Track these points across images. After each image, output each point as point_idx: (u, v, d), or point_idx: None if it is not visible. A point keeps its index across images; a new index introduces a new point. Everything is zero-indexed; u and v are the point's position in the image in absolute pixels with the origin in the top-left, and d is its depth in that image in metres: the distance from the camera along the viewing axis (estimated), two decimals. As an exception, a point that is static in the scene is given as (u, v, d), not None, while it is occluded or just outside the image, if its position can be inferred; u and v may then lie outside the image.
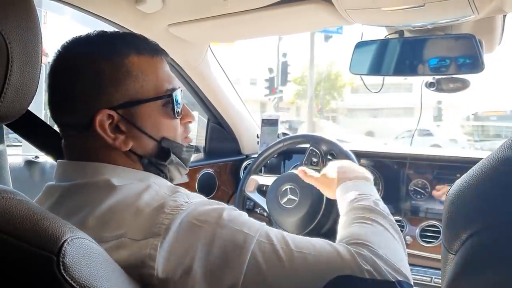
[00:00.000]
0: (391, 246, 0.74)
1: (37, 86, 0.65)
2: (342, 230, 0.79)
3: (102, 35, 0.75)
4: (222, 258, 0.63)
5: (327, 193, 1.16)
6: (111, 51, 0.72)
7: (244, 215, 0.70)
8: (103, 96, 0.71)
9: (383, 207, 0.86)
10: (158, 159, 0.77)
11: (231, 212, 0.68)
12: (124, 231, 0.63)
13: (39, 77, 0.65)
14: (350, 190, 0.95)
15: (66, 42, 0.75)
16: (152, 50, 0.76)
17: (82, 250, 0.51)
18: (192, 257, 0.62)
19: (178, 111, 0.78)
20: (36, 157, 1.67)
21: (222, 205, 0.70)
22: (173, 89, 0.77)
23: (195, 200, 0.68)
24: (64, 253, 0.49)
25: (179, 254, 0.62)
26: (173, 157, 0.78)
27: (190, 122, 0.84)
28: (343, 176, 1.03)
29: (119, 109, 0.71)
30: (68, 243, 0.49)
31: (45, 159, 1.67)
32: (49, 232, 0.50)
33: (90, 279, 0.50)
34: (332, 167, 1.12)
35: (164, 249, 0.61)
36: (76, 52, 0.74)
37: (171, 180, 0.80)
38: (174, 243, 0.62)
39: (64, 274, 0.48)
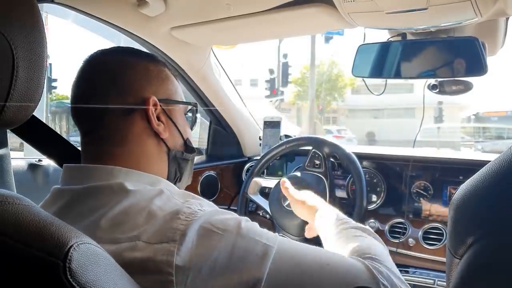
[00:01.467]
0: (390, 260, 0.79)
1: (43, 90, 0.65)
2: (345, 244, 0.84)
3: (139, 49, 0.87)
4: (242, 267, 0.63)
5: (301, 215, 1.25)
6: (152, 58, 0.84)
7: (258, 226, 0.72)
8: (150, 87, 0.79)
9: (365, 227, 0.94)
10: (186, 152, 0.86)
11: (248, 223, 0.70)
12: (137, 233, 0.63)
13: (44, 82, 0.65)
14: (331, 214, 1.04)
15: (105, 49, 0.83)
16: (175, 72, 0.89)
17: (88, 256, 0.51)
18: (212, 264, 0.62)
19: (194, 123, 0.92)
20: (39, 160, 1.67)
21: (236, 215, 0.72)
22: (196, 102, 0.93)
23: (209, 208, 0.69)
24: (70, 258, 0.48)
25: (198, 260, 0.62)
26: (195, 154, 0.89)
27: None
28: (321, 204, 1.16)
29: (161, 102, 0.80)
30: (74, 248, 0.49)
31: (48, 162, 1.67)
32: (55, 238, 0.50)
33: (96, 285, 0.50)
34: (310, 196, 1.25)
35: (181, 255, 0.61)
36: (122, 54, 0.82)
37: (181, 180, 0.87)
38: (193, 249, 0.62)
39: (71, 279, 0.48)
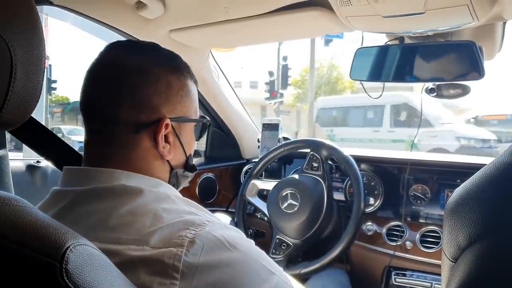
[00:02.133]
0: None
1: (41, 92, 0.65)
2: None
3: (168, 50, 0.82)
4: (245, 286, 0.65)
5: None
6: (177, 67, 0.80)
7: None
8: (168, 106, 0.76)
9: None
10: (187, 170, 0.84)
11: (257, 248, 0.73)
12: (144, 236, 0.63)
13: (42, 84, 0.65)
14: None
15: (126, 44, 0.81)
16: (195, 78, 0.85)
17: (85, 257, 0.51)
18: (217, 277, 0.63)
19: (201, 136, 0.90)
20: (38, 161, 1.67)
21: (244, 235, 0.74)
22: (204, 116, 0.89)
23: (218, 221, 0.70)
24: (67, 260, 0.48)
25: (204, 270, 0.62)
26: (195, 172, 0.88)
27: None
28: None
29: (174, 121, 0.77)
30: (71, 249, 0.49)
31: (46, 163, 1.67)
32: (52, 239, 0.50)
33: (92, 286, 0.50)
34: None
35: (188, 262, 0.61)
36: (145, 59, 0.77)
37: (178, 187, 0.84)
38: (200, 258, 0.62)
39: (67, 281, 0.48)
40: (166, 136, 0.77)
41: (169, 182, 0.80)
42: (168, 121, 0.75)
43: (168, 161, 0.79)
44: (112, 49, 0.78)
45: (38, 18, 0.63)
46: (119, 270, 0.57)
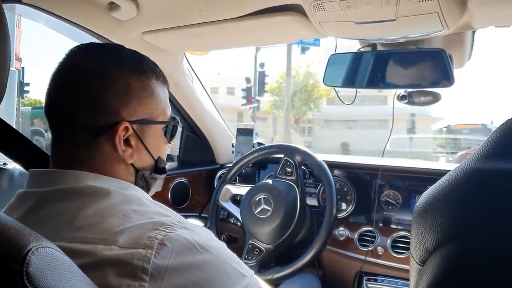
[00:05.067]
0: None
1: (4, 92, 0.63)
2: None
3: (133, 52, 0.81)
4: (215, 287, 0.65)
5: None
6: (139, 68, 0.78)
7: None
8: (126, 108, 0.74)
9: None
10: (154, 173, 0.82)
11: (228, 250, 0.72)
12: (111, 234, 0.62)
13: (6, 83, 0.64)
14: None
15: (88, 46, 0.78)
16: (164, 78, 0.83)
17: (47, 260, 0.49)
18: (187, 279, 0.62)
19: (171, 138, 0.86)
20: (4, 164, 1.63)
21: (216, 238, 0.73)
22: (174, 118, 0.85)
23: (188, 223, 0.69)
24: (28, 262, 0.47)
25: (174, 272, 0.61)
26: (165, 174, 0.85)
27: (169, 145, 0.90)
28: None
29: (135, 124, 0.75)
30: (32, 252, 0.48)
31: (13, 166, 1.63)
32: (13, 242, 0.48)
33: None
34: None
35: (158, 264, 0.60)
36: (104, 61, 0.76)
37: (148, 192, 0.83)
38: (170, 260, 0.61)
39: (28, 284, 0.46)
40: (128, 139, 0.75)
41: (136, 185, 0.79)
42: (126, 124, 0.74)
43: (132, 164, 0.77)
44: (73, 53, 0.77)
45: (3, 15, 0.61)
46: (86, 271, 0.56)
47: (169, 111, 0.84)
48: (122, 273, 0.60)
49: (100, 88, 0.73)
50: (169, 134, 0.85)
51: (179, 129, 2.09)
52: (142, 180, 0.80)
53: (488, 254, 0.56)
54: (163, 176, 0.85)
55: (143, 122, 0.77)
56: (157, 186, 0.86)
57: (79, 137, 0.74)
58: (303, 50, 14.85)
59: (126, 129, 0.74)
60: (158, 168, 0.82)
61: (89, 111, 0.73)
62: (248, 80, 14.23)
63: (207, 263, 0.65)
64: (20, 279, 0.46)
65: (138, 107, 0.76)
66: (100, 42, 1.42)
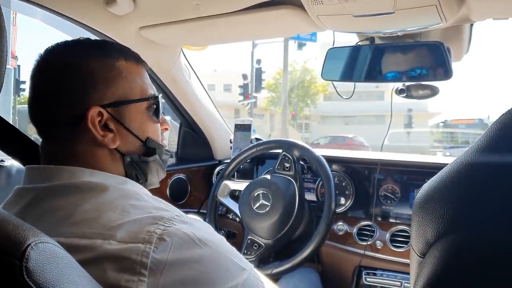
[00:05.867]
0: None
1: (1, 89, 0.63)
2: None
3: (91, 40, 0.79)
4: (215, 282, 0.65)
5: None
6: (102, 53, 0.76)
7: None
8: (95, 94, 0.73)
9: None
10: (143, 156, 0.79)
11: (228, 243, 0.72)
12: (109, 229, 0.62)
13: (3, 80, 0.64)
14: None
15: (52, 46, 0.77)
16: (136, 58, 0.81)
17: (46, 255, 0.49)
18: (185, 273, 0.62)
19: (160, 117, 0.83)
20: (2, 160, 1.63)
21: (212, 229, 0.73)
22: (156, 95, 0.82)
23: (187, 217, 0.69)
24: (28, 257, 0.47)
25: (172, 266, 0.61)
26: (157, 155, 0.81)
27: (166, 129, 0.87)
28: None
29: (109, 107, 0.74)
30: (31, 247, 0.48)
31: (11, 162, 1.62)
32: (11, 237, 0.48)
33: (55, 285, 0.48)
34: None
35: (157, 258, 0.60)
36: (67, 54, 0.75)
37: (147, 181, 0.82)
38: (169, 254, 0.61)
39: (27, 279, 0.46)
40: (107, 124, 0.74)
41: (127, 174, 0.78)
42: (98, 109, 0.73)
43: (117, 149, 0.76)
44: (47, 51, 0.77)
45: (0, 13, 0.61)
46: (85, 266, 0.56)
47: (149, 90, 0.81)
48: (121, 268, 0.59)
49: (66, 79, 0.73)
50: (154, 111, 0.81)
51: (177, 125, 2.09)
52: (133, 166, 0.78)
53: (489, 246, 0.56)
54: (154, 158, 0.81)
55: (116, 104, 0.75)
56: (154, 172, 0.82)
57: (59, 131, 0.74)
58: (300, 46, 14.84)
59: (101, 114, 0.73)
60: (148, 149, 0.80)
61: (61, 104, 0.73)
62: (245, 76, 14.24)
63: (206, 257, 0.65)
64: (19, 274, 0.46)
65: (106, 90, 0.74)
66: (98, 38, 1.42)
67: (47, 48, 0.77)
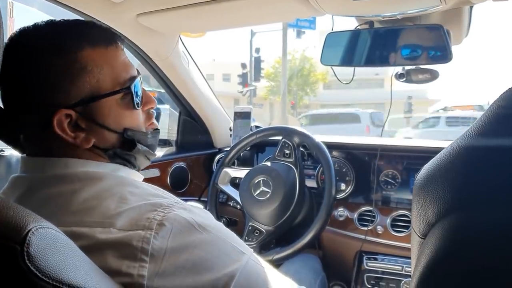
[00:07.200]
0: None
1: None
2: None
3: (52, 25, 0.71)
4: (215, 267, 0.64)
5: None
6: (62, 45, 0.68)
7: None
8: (58, 94, 0.67)
9: None
10: (124, 149, 0.75)
11: (226, 228, 0.71)
12: (108, 217, 0.62)
13: None
14: None
15: (14, 33, 0.70)
16: (106, 39, 0.72)
17: (47, 240, 0.49)
18: (186, 258, 0.62)
19: (138, 102, 0.75)
20: (2, 150, 1.63)
21: (211, 215, 0.72)
22: (131, 79, 0.74)
23: (186, 204, 0.68)
24: (29, 243, 0.47)
25: (173, 252, 0.61)
26: (139, 146, 0.76)
27: (152, 108, 0.81)
28: None
29: (77, 106, 0.68)
30: (32, 232, 0.48)
31: (10, 152, 1.62)
32: (12, 222, 0.48)
33: (56, 270, 0.48)
34: None
35: (158, 244, 0.60)
36: (26, 45, 0.69)
37: (136, 167, 0.80)
38: (169, 240, 0.61)
39: (29, 264, 0.46)
40: (78, 124, 0.69)
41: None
42: (65, 111, 0.67)
43: (96, 146, 0.72)
44: (10, 42, 0.71)
45: None
46: (85, 253, 0.56)
47: (124, 75, 0.73)
48: (121, 255, 0.59)
49: (27, 79, 0.68)
50: (131, 100, 0.74)
51: (176, 113, 2.08)
52: (118, 157, 0.75)
53: (489, 226, 0.56)
54: (137, 149, 0.75)
55: (84, 102, 0.69)
56: (141, 158, 0.78)
57: (32, 135, 0.72)
58: (299, 34, 14.77)
59: (69, 115, 0.68)
60: (126, 142, 0.74)
61: (26, 108, 0.69)
62: (244, 66, 14.19)
63: (206, 242, 0.65)
64: (21, 259, 0.46)
65: (71, 88, 0.68)
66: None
67: (10, 37, 0.70)
